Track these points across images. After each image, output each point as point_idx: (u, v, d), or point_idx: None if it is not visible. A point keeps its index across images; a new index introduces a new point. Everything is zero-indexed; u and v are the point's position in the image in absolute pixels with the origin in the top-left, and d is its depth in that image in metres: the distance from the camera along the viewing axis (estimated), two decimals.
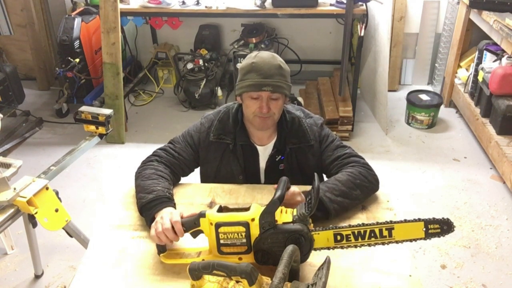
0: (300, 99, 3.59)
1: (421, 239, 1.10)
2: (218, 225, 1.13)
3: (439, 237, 1.09)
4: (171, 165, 1.50)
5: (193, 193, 1.51)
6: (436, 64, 3.94)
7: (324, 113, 3.35)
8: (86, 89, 3.54)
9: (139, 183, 1.41)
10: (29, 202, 1.71)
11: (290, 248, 0.99)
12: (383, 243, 1.11)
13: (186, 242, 1.24)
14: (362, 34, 3.09)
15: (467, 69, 3.50)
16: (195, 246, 1.23)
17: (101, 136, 2.17)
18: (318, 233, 1.12)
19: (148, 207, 1.31)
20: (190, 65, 3.65)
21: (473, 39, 3.48)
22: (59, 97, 3.66)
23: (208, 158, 1.57)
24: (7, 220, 1.72)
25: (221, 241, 1.14)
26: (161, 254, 1.22)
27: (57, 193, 1.86)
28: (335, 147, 1.54)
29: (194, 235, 1.20)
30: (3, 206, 1.71)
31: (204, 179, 1.64)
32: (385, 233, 1.10)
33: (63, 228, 1.90)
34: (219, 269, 0.97)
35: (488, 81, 2.96)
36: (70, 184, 2.88)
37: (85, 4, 3.73)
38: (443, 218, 1.09)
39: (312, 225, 1.15)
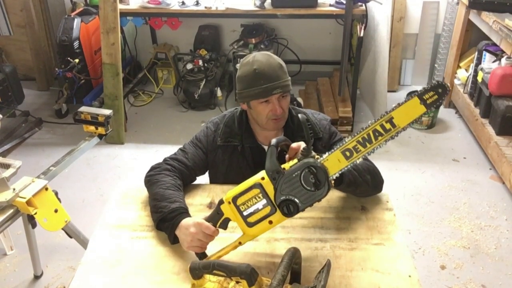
0: (299, 99, 3.56)
1: (425, 113, 1.07)
2: (234, 199, 1.12)
3: (440, 102, 1.05)
4: (182, 176, 1.49)
5: (192, 193, 1.51)
6: (435, 65, 3.94)
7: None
8: (85, 89, 3.54)
9: (158, 191, 1.38)
10: (29, 203, 1.71)
11: (290, 250, 0.99)
12: (392, 137, 1.08)
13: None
14: (361, 34, 3.09)
15: (466, 70, 3.50)
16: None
17: (100, 136, 2.17)
18: (327, 159, 1.09)
19: (171, 216, 1.29)
20: (189, 66, 3.65)
21: (473, 40, 3.48)
22: (58, 97, 3.66)
23: (216, 162, 1.57)
24: (7, 221, 1.72)
25: (245, 213, 1.12)
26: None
27: (56, 194, 1.86)
28: None
29: (224, 225, 1.18)
30: (2, 207, 1.71)
31: (213, 182, 1.64)
32: (388, 126, 1.07)
33: (62, 229, 1.90)
34: (219, 269, 0.97)
35: (487, 82, 2.96)
36: (70, 184, 2.88)
37: (84, 4, 3.73)
38: (433, 83, 1.06)
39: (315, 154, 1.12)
